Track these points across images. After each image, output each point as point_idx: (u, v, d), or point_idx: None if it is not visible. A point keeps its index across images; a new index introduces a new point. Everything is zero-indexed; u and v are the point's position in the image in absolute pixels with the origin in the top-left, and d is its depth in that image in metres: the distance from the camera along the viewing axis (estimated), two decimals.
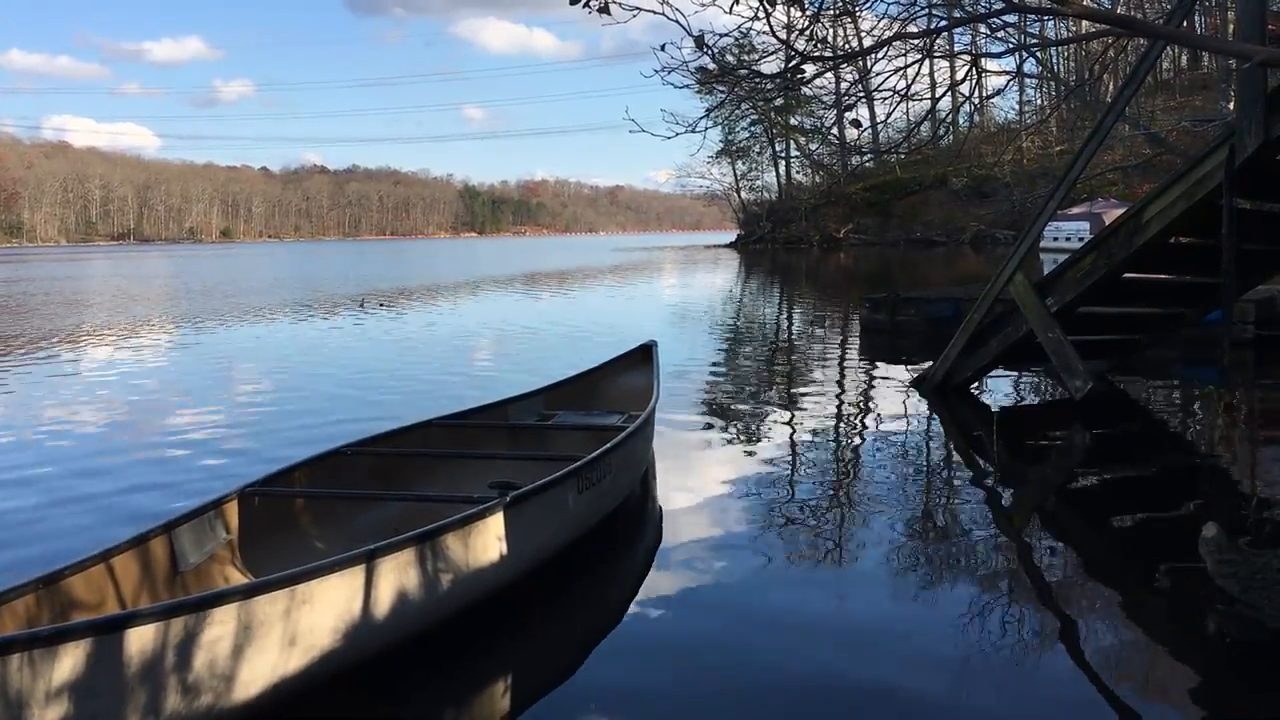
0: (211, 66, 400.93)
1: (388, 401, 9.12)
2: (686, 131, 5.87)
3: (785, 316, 19.79)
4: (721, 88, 5.94)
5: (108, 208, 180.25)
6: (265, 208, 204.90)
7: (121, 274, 45.72)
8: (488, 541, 3.96)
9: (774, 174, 69.36)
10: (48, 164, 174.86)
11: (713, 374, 11.11)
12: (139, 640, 2.79)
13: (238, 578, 4.12)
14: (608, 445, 5.03)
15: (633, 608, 4.26)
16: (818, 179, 66.94)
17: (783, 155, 68.06)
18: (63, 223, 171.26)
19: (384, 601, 3.48)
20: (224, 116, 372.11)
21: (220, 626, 2.99)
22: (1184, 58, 51.57)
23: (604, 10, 4.65)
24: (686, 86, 5.60)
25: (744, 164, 70.20)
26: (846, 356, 12.59)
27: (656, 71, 5.15)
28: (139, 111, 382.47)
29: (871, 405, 9.00)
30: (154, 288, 33.56)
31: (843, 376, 10.80)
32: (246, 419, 8.65)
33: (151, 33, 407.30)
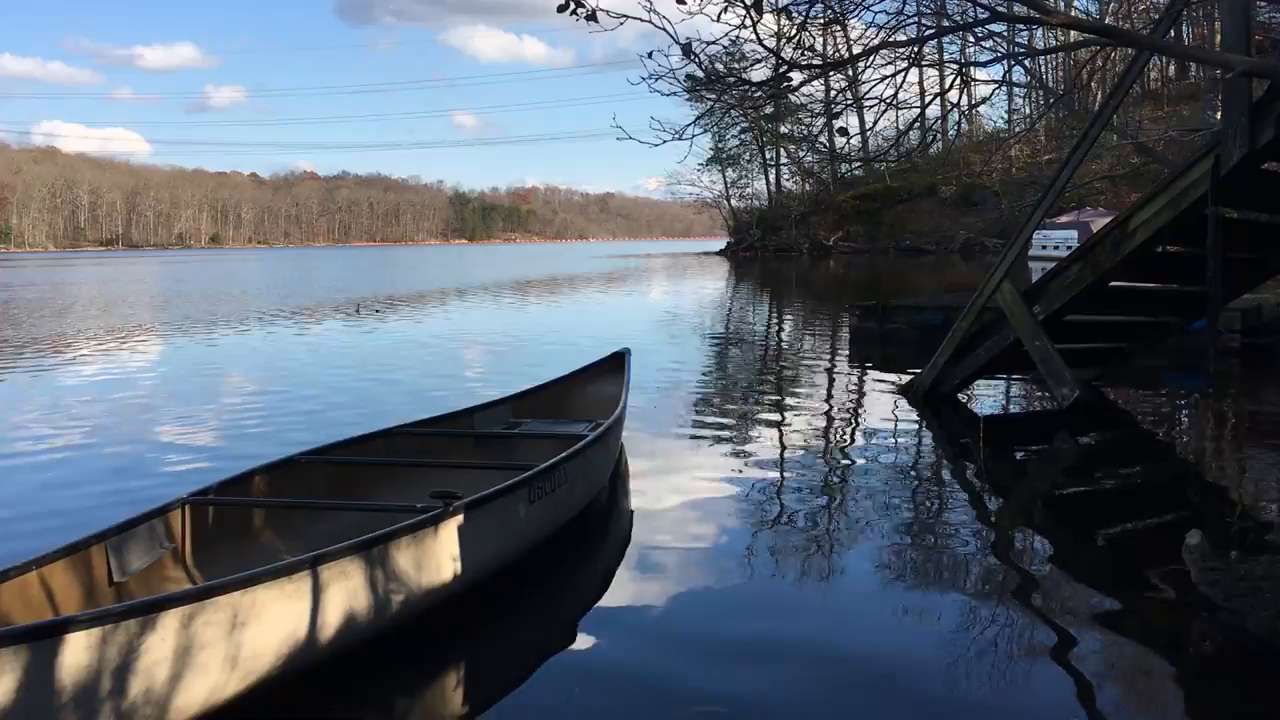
0: (204, 73, 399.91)
1: (380, 406, 9.08)
2: (674, 139, 5.85)
3: (774, 324, 19.81)
4: (710, 95, 5.94)
5: (96, 213, 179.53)
6: (255, 214, 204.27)
7: (125, 279, 45.49)
8: (428, 552, 3.88)
9: (764, 181, 69.68)
10: (36, 169, 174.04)
11: (700, 381, 11.11)
12: (72, 647, 2.72)
13: (180, 588, 3.98)
14: (563, 454, 4.97)
15: (592, 618, 4.20)
16: (807, 187, 67.16)
17: (772, 163, 68.32)
18: (51, 228, 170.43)
19: (320, 612, 3.41)
20: (215, 123, 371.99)
21: (157, 634, 2.92)
22: (1171, 67, 51.85)
23: (591, 18, 4.66)
24: (675, 94, 5.59)
25: (734, 171, 70.56)
26: (835, 364, 12.61)
27: (644, 79, 5.15)
28: (130, 117, 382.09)
29: (859, 413, 9.01)
30: (149, 291, 33.43)
31: (831, 384, 10.81)
32: (243, 422, 8.62)
33: (144, 38, 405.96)
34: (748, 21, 4.61)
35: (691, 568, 4.77)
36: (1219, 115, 7.56)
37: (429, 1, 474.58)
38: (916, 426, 8.15)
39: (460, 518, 4.05)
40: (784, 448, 7.42)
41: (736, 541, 5.13)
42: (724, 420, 8.69)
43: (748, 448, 7.42)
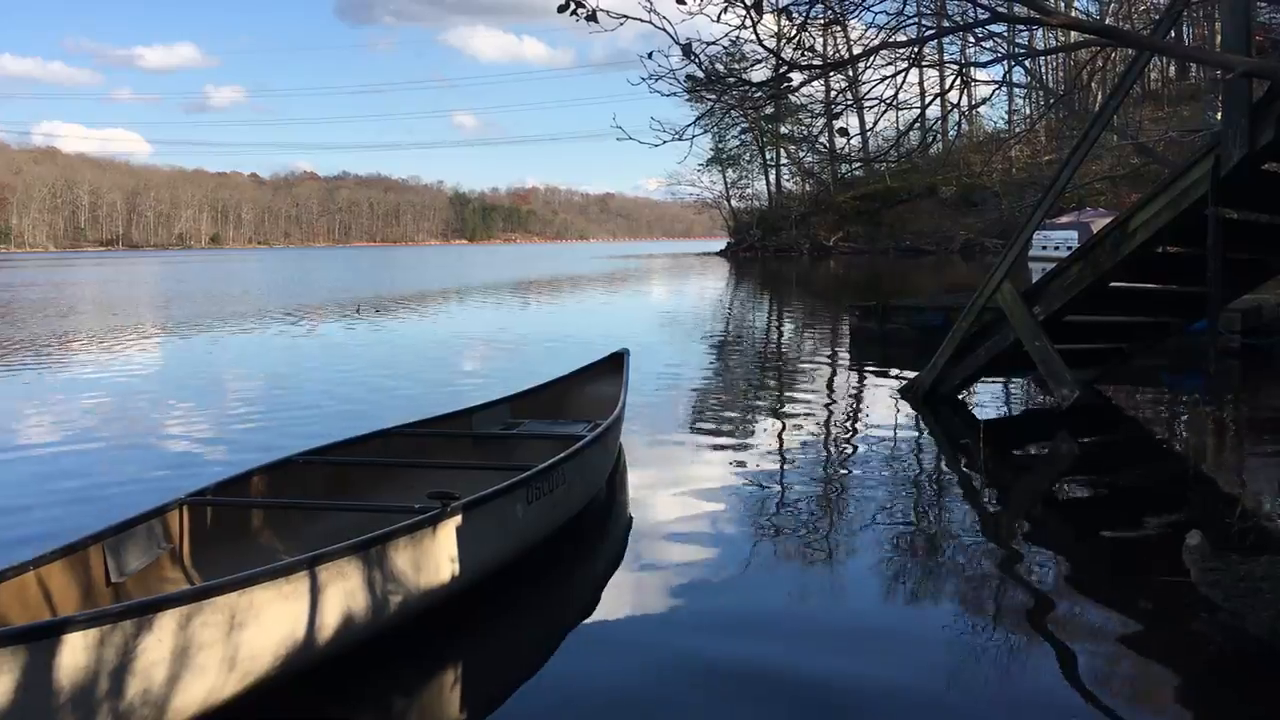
0: (204, 73, 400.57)
1: (383, 405, 9.07)
2: (674, 139, 5.85)
3: (774, 324, 19.81)
4: (710, 95, 5.94)
5: (96, 214, 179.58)
6: (255, 214, 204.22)
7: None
8: (426, 552, 3.87)
9: (764, 182, 69.67)
10: (36, 169, 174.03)
11: (700, 381, 11.10)
12: (69, 648, 2.72)
13: (178, 588, 3.97)
14: (561, 455, 4.97)
15: (590, 619, 4.19)
16: (807, 187, 67.16)
17: (773, 163, 68.30)
18: (51, 229, 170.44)
19: (318, 612, 3.40)
20: (215, 123, 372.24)
21: (155, 635, 2.91)
22: (1171, 68, 51.81)
23: (591, 18, 4.66)
24: (675, 94, 5.59)
25: (734, 172, 70.50)
26: (835, 364, 12.60)
27: (644, 79, 5.15)
28: (130, 117, 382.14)
29: (859, 414, 9.00)
30: (150, 291, 33.43)
31: (831, 385, 10.80)
32: (247, 420, 8.61)
33: (144, 38, 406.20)
34: (748, 22, 4.61)
35: (690, 569, 4.76)
36: (1219, 116, 7.56)
37: (429, 1, 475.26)
38: (916, 427, 8.14)
39: (458, 518, 4.04)
40: (784, 448, 7.41)
41: (735, 542, 5.12)
42: (723, 421, 8.69)
43: (747, 448, 7.41)
